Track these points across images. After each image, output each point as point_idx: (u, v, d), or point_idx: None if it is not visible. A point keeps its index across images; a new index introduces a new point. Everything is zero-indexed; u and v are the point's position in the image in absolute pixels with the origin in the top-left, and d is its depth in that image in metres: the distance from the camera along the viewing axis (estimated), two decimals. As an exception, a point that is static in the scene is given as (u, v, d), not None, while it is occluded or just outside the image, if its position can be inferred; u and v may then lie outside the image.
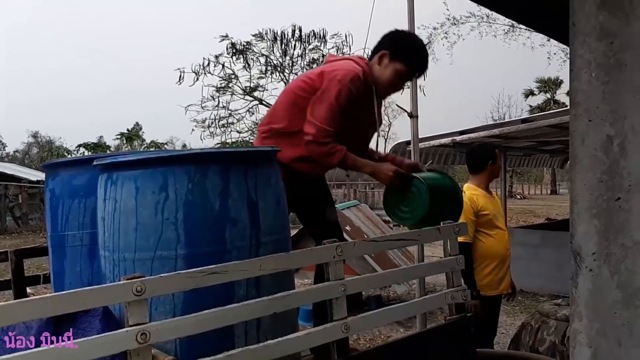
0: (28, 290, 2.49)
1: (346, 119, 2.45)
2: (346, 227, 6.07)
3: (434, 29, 22.09)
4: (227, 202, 1.77)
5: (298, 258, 1.78)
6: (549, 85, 41.68)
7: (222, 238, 1.75)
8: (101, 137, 31.16)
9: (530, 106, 42.58)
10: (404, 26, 3.60)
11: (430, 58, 2.71)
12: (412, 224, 2.45)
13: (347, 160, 2.44)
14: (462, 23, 21.33)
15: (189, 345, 1.70)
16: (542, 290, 7.86)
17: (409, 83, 3.63)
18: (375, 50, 2.62)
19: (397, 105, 3.67)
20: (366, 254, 4.59)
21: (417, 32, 3.52)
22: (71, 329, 1.53)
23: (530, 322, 3.91)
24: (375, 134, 2.84)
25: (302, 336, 1.72)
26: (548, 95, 42.22)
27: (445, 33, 22.56)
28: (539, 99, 42.76)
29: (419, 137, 4.73)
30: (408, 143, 7.94)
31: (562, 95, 41.18)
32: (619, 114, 0.91)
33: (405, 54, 2.57)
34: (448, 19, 21.49)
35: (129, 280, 1.40)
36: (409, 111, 3.52)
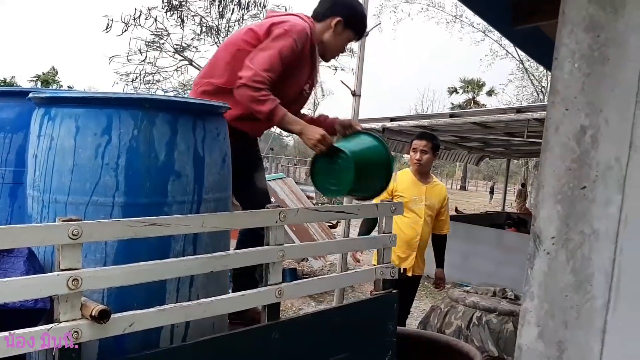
0: None
1: (285, 74, 2.38)
2: (271, 199, 6.05)
3: None
4: (172, 154, 1.69)
5: (240, 219, 1.75)
6: (472, 85, 43.33)
7: (164, 190, 1.68)
8: (13, 77, 29.01)
9: (452, 104, 44.16)
10: None
11: (376, 28, 2.80)
12: (337, 196, 2.40)
13: (278, 112, 2.30)
14: (414, 1, 21.75)
15: (117, 297, 1.62)
16: (447, 278, 8.21)
17: (354, 66, 3.65)
18: (325, 13, 2.56)
19: (342, 82, 3.64)
20: (308, 221, 4.60)
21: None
22: (-8, 268, 1.42)
23: (440, 306, 4.08)
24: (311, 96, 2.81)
25: (236, 298, 1.70)
26: (470, 95, 43.90)
27: (395, 7, 22.92)
28: (461, 97, 44.43)
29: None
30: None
31: (483, 96, 43.05)
32: (596, 105, 0.94)
33: (357, 22, 2.60)
34: None
35: (65, 222, 1.31)
36: (352, 89, 3.52)
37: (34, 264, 1.52)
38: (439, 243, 4.09)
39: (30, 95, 1.72)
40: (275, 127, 2.57)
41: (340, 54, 2.73)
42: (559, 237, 0.97)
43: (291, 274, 6.03)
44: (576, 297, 0.95)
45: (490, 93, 41.70)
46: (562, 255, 0.97)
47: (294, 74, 2.45)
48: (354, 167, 2.19)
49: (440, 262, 4.11)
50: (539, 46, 2.73)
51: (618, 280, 0.91)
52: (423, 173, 3.96)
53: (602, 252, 0.94)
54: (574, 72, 0.96)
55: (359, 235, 3.78)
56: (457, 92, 44.45)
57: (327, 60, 2.75)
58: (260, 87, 2.26)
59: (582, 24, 0.95)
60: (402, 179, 3.97)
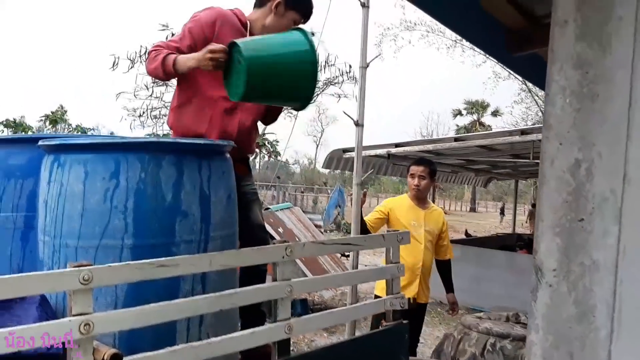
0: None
1: None
2: (279, 229, 6.06)
3: (387, 29, 22.74)
4: (179, 194, 1.73)
5: (247, 256, 1.76)
6: (476, 107, 43.46)
7: (172, 230, 1.71)
8: (23, 116, 29.39)
9: (457, 126, 44.29)
10: (356, 37, 3.66)
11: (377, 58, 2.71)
12: (242, 99, 2.06)
13: (169, 59, 2.23)
14: (413, 29, 22.12)
15: (128, 339, 1.64)
16: (459, 303, 8.13)
17: (357, 92, 3.70)
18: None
19: (344, 113, 3.69)
20: (314, 255, 4.61)
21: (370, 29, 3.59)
22: (5, 315, 1.44)
23: (453, 333, 4.05)
24: None
25: (246, 335, 1.70)
26: (475, 117, 44.01)
27: (395, 36, 23.31)
28: (466, 119, 44.56)
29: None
30: (344, 150, 8.06)
31: (487, 117, 43.18)
32: (588, 140, 0.96)
33: (299, 2, 2.55)
34: (402, 23, 22.19)
35: (76, 268, 1.33)
36: (355, 119, 3.56)
37: (46, 309, 1.54)
38: (444, 269, 4.07)
39: (40, 143, 1.77)
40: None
41: None
42: (559, 269, 0.99)
43: (302, 305, 6.01)
44: (580, 329, 0.95)
45: (495, 114, 41.79)
46: (563, 287, 0.98)
47: None
48: (245, 56, 1.96)
49: (449, 287, 4.09)
50: (538, 70, 2.77)
51: (620, 311, 0.92)
52: (421, 198, 3.98)
53: (603, 283, 0.95)
54: (565, 107, 0.99)
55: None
56: (462, 114, 44.60)
57: None
58: (153, 50, 2.28)
59: (571, 61, 0.98)
60: (400, 204, 3.98)
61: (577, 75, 0.98)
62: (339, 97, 22.61)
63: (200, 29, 2.36)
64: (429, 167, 3.97)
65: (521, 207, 29.22)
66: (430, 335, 6.18)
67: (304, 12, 2.58)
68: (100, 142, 1.71)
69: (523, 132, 6.53)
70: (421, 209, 3.95)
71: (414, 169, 3.97)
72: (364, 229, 3.79)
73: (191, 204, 1.76)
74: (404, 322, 2.22)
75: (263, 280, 2.39)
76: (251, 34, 2.48)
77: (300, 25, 2.51)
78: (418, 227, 3.84)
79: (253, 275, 2.41)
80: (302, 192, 31.21)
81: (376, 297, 3.63)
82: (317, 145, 57.96)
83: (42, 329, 1.29)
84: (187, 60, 2.22)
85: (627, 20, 0.92)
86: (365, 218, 3.87)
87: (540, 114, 23.93)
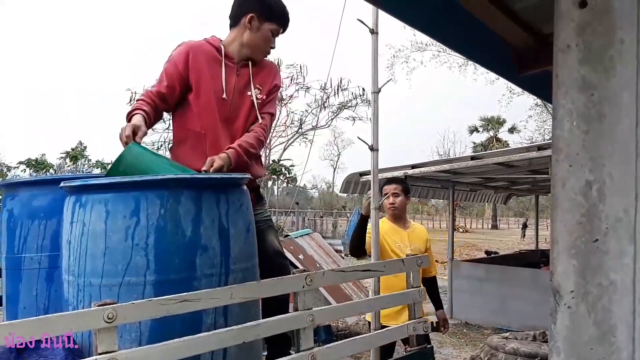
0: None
1: (188, 88, 2.43)
2: (299, 256, 6.07)
3: (399, 50, 22.90)
4: (198, 229, 1.75)
5: (268, 287, 1.78)
6: (493, 123, 43.29)
7: (192, 265, 1.74)
8: (44, 154, 29.82)
9: (474, 143, 44.11)
10: (368, 59, 3.70)
11: (390, 81, 2.72)
12: None
13: (129, 114, 2.25)
14: (425, 49, 22.28)
15: (153, 374, 1.65)
16: (485, 323, 8.04)
17: (371, 116, 3.72)
18: (236, 17, 2.54)
19: (359, 138, 3.71)
20: (335, 283, 4.60)
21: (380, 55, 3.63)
22: (33, 356, 1.47)
23: (480, 355, 3.99)
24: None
25: (270, 367, 1.72)
26: (491, 133, 43.81)
27: (407, 57, 23.46)
28: (482, 136, 44.38)
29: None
30: (361, 174, 8.08)
31: (504, 134, 42.93)
32: (598, 161, 0.97)
33: (273, 12, 2.53)
34: (413, 44, 22.35)
35: (101, 307, 1.36)
36: (370, 144, 3.58)
37: (72, 348, 1.57)
38: (430, 286, 3.90)
39: (62, 184, 1.82)
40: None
41: (272, 49, 2.59)
42: (577, 290, 0.99)
43: (326, 331, 5.97)
44: (601, 350, 0.95)
45: (511, 130, 41.56)
46: (582, 308, 0.98)
47: (196, 86, 2.44)
48: (121, 157, 1.96)
49: (438, 304, 3.92)
50: (548, 88, 2.77)
51: (640, 331, 0.92)
52: (399, 218, 3.89)
53: (622, 303, 0.95)
54: (573, 130, 1.00)
55: (351, 243, 3.83)
56: (478, 131, 44.44)
57: (258, 60, 2.58)
58: (137, 101, 2.35)
59: (575, 85, 0.99)
60: (382, 228, 3.83)
61: (583, 98, 0.99)
62: (354, 120, 22.73)
63: (174, 67, 2.42)
64: (402, 185, 3.94)
65: (543, 222, 28.82)
66: (457, 358, 6.09)
67: (281, 21, 2.57)
68: (120, 182, 1.75)
69: (540, 147, 6.50)
70: (402, 229, 3.87)
71: (387, 188, 3.93)
72: (362, 240, 3.73)
73: (211, 237, 1.78)
74: (428, 346, 2.21)
75: (286, 304, 2.39)
76: (227, 57, 2.49)
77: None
78: (404, 248, 3.73)
79: (276, 302, 2.41)
80: (322, 217, 31.18)
81: (370, 323, 3.52)
82: (335, 169, 58.12)
83: (69, 368, 1.32)
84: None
85: (629, 43, 0.94)
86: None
87: (557, 127, 23.71)
